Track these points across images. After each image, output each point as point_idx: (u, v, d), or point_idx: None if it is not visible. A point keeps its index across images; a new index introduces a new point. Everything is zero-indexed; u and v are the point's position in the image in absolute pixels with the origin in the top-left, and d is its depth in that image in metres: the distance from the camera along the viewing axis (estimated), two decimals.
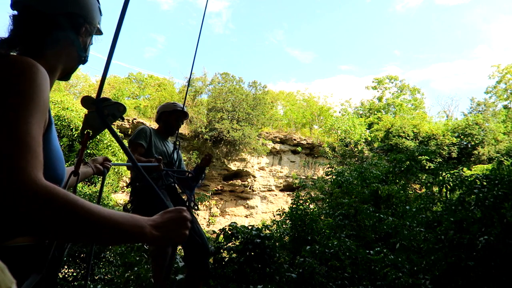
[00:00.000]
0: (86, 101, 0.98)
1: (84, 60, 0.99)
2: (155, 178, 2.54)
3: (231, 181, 21.41)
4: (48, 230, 0.57)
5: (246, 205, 21.60)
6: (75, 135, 11.22)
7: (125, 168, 13.51)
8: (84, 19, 0.93)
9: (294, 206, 5.98)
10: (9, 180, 0.54)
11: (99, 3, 1.02)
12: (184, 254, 2.44)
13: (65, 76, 0.95)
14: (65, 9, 0.89)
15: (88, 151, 11.51)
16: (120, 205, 14.15)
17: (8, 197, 0.53)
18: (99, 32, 1.05)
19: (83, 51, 0.94)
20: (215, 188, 20.96)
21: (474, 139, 20.32)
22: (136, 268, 3.80)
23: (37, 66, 0.69)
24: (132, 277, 3.71)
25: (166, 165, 2.64)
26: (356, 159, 18.88)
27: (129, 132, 18.69)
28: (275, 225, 6.51)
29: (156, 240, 0.72)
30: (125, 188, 17.86)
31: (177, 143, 2.71)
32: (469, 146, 20.45)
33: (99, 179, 11.84)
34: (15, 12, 0.88)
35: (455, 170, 3.83)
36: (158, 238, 0.72)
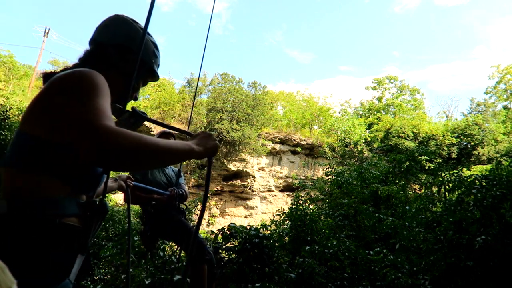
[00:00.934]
0: (114, 109, 1.08)
1: (134, 90, 1.20)
2: (160, 210, 2.78)
3: (231, 182, 21.41)
4: (128, 159, 0.78)
5: (246, 206, 21.60)
6: None
7: None
8: (129, 51, 1.14)
9: (293, 206, 5.98)
10: (93, 125, 0.76)
11: (157, 49, 1.25)
12: (187, 257, 2.60)
13: (118, 102, 1.10)
14: (118, 41, 1.13)
15: None
16: (120, 205, 14.14)
17: (105, 150, 0.74)
18: (153, 75, 1.27)
19: (131, 82, 1.09)
20: (215, 189, 20.96)
21: (474, 139, 20.33)
22: (131, 269, 3.80)
23: (99, 73, 0.92)
24: (125, 277, 3.71)
25: (165, 189, 2.87)
26: (356, 159, 18.89)
27: None
28: (274, 224, 6.51)
29: (202, 153, 1.01)
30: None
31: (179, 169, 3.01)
32: (469, 146, 20.47)
33: None
34: (88, 48, 1.16)
35: (454, 171, 3.84)
36: (203, 151, 1.01)
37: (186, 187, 3.07)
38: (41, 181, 0.89)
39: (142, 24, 1.14)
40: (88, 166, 0.98)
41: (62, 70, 0.98)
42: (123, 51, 1.14)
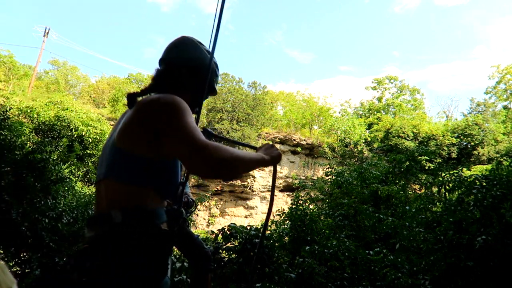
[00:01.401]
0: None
1: (198, 105, 1.35)
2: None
3: (231, 182, 21.40)
4: (227, 169, 0.99)
5: (246, 206, 21.60)
6: (75, 136, 11.22)
7: None
8: (201, 74, 1.30)
9: (293, 206, 5.98)
10: (197, 144, 0.95)
11: (217, 68, 1.42)
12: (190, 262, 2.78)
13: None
14: (188, 63, 1.29)
15: (88, 151, 11.51)
16: None
17: (204, 164, 0.95)
18: (213, 91, 1.43)
19: (198, 99, 1.30)
20: (215, 189, 20.96)
21: (474, 139, 20.33)
22: None
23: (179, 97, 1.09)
24: None
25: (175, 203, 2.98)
26: (356, 159, 18.89)
27: None
28: (274, 224, 6.50)
29: (269, 161, 1.22)
30: None
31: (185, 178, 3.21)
32: (469, 146, 20.46)
33: None
34: (158, 67, 1.33)
35: (454, 171, 3.83)
36: (270, 160, 1.22)
37: (191, 195, 3.24)
38: (142, 193, 1.06)
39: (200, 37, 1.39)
40: (172, 178, 1.16)
41: (142, 92, 1.20)
42: (192, 71, 1.29)
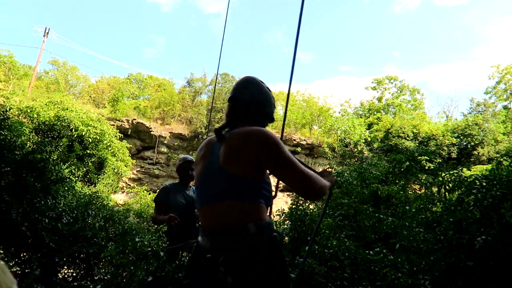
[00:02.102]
0: None
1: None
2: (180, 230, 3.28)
3: None
4: (321, 195, 1.38)
5: None
6: (75, 136, 11.21)
7: (124, 168, 13.50)
8: (263, 106, 1.57)
9: (293, 206, 5.98)
10: (309, 188, 1.34)
11: (274, 101, 1.67)
12: None
13: None
14: (254, 100, 1.55)
15: (88, 151, 11.51)
16: (120, 205, 14.14)
17: (312, 193, 1.35)
18: (272, 119, 1.66)
19: (263, 122, 1.60)
20: None
21: (474, 139, 20.32)
22: (132, 267, 3.79)
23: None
24: (126, 275, 3.71)
25: (186, 210, 3.34)
26: (356, 159, 18.89)
27: (129, 132, 18.68)
28: (274, 225, 6.50)
29: (331, 187, 1.57)
30: (124, 188, 17.86)
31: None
32: (469, 146, 20.46)
33: (99, 179, 11.83)
34: (229, 105, 1.59)
35: (454, 171, 3.83)
36: (331, 185, 1.58)
37: None
38: (259, 208, 1.36)
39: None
40: (270, 194, 1.43)
41: (224, 126, 1.49)
42: (258, 107, 1.56)
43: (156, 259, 3.68)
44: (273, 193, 1.53)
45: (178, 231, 3.20)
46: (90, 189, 9.85)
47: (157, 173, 19.83)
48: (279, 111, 28.81)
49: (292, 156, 1.33)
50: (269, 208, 1.52)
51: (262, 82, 1.62)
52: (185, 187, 3.59)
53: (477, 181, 3.30)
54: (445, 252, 3.11)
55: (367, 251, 4.01)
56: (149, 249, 3.81)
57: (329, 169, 9.51)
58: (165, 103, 21.32)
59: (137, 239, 4.06)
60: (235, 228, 1.30)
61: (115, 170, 12.78)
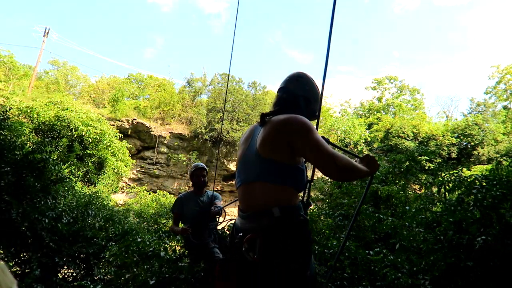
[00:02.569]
0: None
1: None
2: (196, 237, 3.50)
3: (231, 182, 21.40)
4: (347, 175, 1.42)
5: None
6: (75, 136, 11.21)
7: (124, 168, 13.51)
8: (310, 102, 1.68)
9: None
10: (330, 166, 1.34)
11: (318, 96, 1.74)
12: None
13: None
14: (304, 94, 1.66)
15: (88, 151, 11.50)
16: (120, 205, 14.14)
17: (334, 172, 1.35)
18: (315, 117, 1.75)
19: (308, 117, 1.60)
20: (215, 189, 20.96)
21: (474, 139, 20.32)
22: (135, 269, 3.79)
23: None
24: (129, 277, 3.70)
25: (199, 217, 3.57)
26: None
27: (129, 132, 18.67)
28: None
29: (370, 173, 1.54)
30: (124, 188, 17.86)
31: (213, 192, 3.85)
32: (469, 146, 20.46)
33: (99, 179, 11.83)
34: (278, 94, 1.72)
35: (454, 171, 3.83)
36: (371, 171, 1.53)
37: (221, 204, 3.79)
38: (288, 191, 1.42)
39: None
40: (303, 178, 1.49)
41: (271, 113, 1.56)
42: (307, 100, 1.66)
43: (157, 259, 3.69)
44: (309, 178, 1.61)
45: (193, 235, 3.46)
46: (90, 189, 9.85)
47: (157, 173, 19.83)
48: None
49: (321, 139, 1.39)
50: (304, 193, 1.57)
51: (313, 80, 1.74)
52: (199, 194, 3.84)
53: (477, 181, 3.29)
54: (445, 252, 3.11)
55: (367, 251, 4.00)
56: (151, 249, 3.82)
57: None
58: (165, 103, 21.32)
59: (139, 239, 4.06)
60: (262, 210, 1.39)
61: (115, 170, 12.78)
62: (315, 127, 1.45)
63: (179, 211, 3.71)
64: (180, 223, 3.79)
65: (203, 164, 3.91)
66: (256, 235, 1.34)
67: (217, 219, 3.63)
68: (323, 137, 1.51)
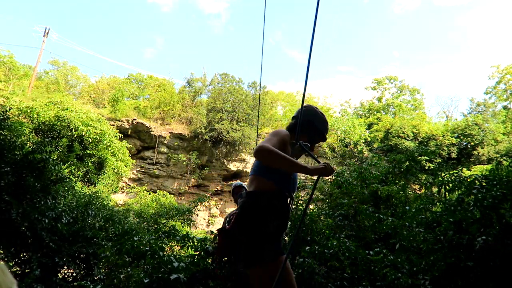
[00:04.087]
0: (292, 144, 2.09)
1: (311, 143, 2.29)
2: None
3: (231, 182, 21.38)
4: (266, 159, 1.84)
5: None
6: (75, 136, 11.21)
7: (124, 168, 13.50)
8: (312, 126, 2.26)
9: (293, 206, 5.98)
10: (258, 147, 1.84)
11: (327, 124, 2.37)
12: None
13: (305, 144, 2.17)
14: (310, 119, 2.23)
15: (88, 151, 11.50)
16: (120, 205, 14.13)
17: (256, 149, 1.85)
18: (323, 138, 2.36)
19: (309, 140, 2.24)
20: (215, 189, 20.96)
21: (474, 139, 20.32)
22: (129, 269, 3.79)
23: (287, 132, 2.10)
24: (123, 277, 3.71)
25: None
26: (356, 159, 18.90)
27: (129, 132, 18.67)
28: None
29: (313, 171, 1.86)
30: (124, 188, 17.86)
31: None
32: (469, 146, 20.46)
33: (99, 179, 11.83)
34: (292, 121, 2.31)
35: (454, 171, 3.83)
36: (313, 171, 1.85)
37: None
38: (268, 183, 1.93)
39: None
40: (285, 177, 1.98)
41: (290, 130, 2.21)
42: (310, 124, 2.22)
43: (152, 258, 3.68)
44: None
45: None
46: (90, 189, 9.85)
47: (157, 173, 19.82)
48: (279, 111, 28.83)
49: (271, 139, 1.93)
50: (288, 189, 2.00)
51: (317, 109, 2.34)
52: None
53: (477, 181, 3.29)
54: (445, 252, 3.11)
55: (367, 251, 4.00)
56: (147, 248, 3.81)
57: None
58: (165, 103, 21.31)
59: (135, 239, 4.05)
60: (249, 193, 1.94)
61: (115, 170, 12.78)
62: (285, 137, 2.02)
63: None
64: None
65: (241, 183, 4.34)
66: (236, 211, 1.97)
67: None
68: (302, 142, 2.05)
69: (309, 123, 2.21)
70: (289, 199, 1.98)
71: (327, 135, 2.40)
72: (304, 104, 2.24)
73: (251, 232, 1.80)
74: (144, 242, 3.98)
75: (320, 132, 2.28)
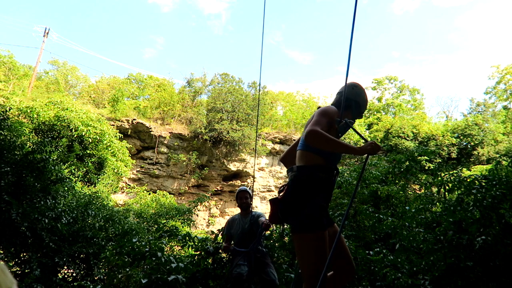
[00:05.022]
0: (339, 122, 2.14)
1: (352, 120, 2.32)
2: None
3: (231, 182, 21.40)
4: (316, 142, 1.93)
5: None
6: (75, 136, 11.21)
7: (124, 168, 13.50)
8: (357, 106, 2.32)
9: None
10: (309, 130, 1.93)
11: (367, 103, 2.43)
12: None
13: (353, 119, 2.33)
14: (356, 100, 2.31)
15: (88, 151, 11.50)
16: (120, 205, 14.13)
17: (307, 131, 1.94)
18: (360, 116, 2.39)
19: (353, 117, 2.32)
20: (215, 189, 20.96)
21: (474, 139, 20.32)
22: (128, 269, 3.79)
23: (335, 110, 2.16)
24: (122, 277, 3.71)
25: (243, 237, 3.88)
26: (356, 159, 18.89)
27: (129, 132, 18.68)
28: (274, 225, 6.50)
29: (360, 151, 1.92)
30: (124, 188, 17.86)
31: (252, 212, 4.08)
32: (469, 146, 20.46)
33: (99, 179, 11.83)
34: (336, 96, 2.40)
35: (454, 171, 3.83)
36: (360, 150, 1.92)
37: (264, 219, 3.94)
38: (317, 157, 2.05)
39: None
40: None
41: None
42: (356, 104, 2.30)
43: (154, 259, 3.68)
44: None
45: (239, 251, 3.79)
46: (90, 189, 9.85)
47: (157, 173, 19.82)
48: (279, 111, 28.84)
49: (321, 120, 2.01)
50: (333, 160, 2.12)
51: (362, 88, 2.36)
52: (244, 216, 4.09)
53: (476, 181, 3.29)
54: (445, 252, 3.11)
55: (367, 251, 4.00)
56: (147, 249, 3.81)
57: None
58: (165, 103, 21.31)
59: (134, 240, 4.05)
60: (298, 167, 2.06)
61: (115, 170, 12.78)
62: (334, 116, 2.08)
63: (228, 232, 4.08)
64: (231, 242, 4.09)
65: (246, 188, 4.22)
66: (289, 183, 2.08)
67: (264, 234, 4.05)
68: (347, 120, 2.10)
69: (356, 103, 2.28)
70: (334, 171, 2.10)
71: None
72: (351, 82, 2.29)
73: (303, 202, 1.93)
74: (143, 243, 3.99)
75: (361, 112, 2.36)
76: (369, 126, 24.53)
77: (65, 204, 5.73)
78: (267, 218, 3.99)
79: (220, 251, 4.29)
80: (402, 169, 7.41)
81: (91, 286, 4.06)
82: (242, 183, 21.33)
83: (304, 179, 1.99)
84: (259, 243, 3.81)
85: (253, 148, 20.26)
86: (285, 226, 6.26)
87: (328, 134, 1.90)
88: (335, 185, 2.12)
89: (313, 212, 1.89)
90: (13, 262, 4.67)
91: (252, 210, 4.17)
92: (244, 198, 4.12)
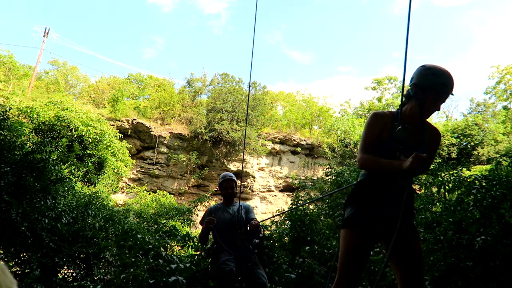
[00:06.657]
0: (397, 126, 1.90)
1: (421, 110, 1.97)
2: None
3: None
4: (365, 167, 1.97)
5: None
6: (75, 136, 11.21)
7: (124, 168, 13.51)
8: (424, 91, 1.89)
9: (293, 206, 5.98)
10: (359, 150, 1.99)
11: (441, 74, 1.88)
12: None
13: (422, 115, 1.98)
14: (411, 85, 1.98)
15: (88, 151, 11.50)
16: (120, 205, 14.13)
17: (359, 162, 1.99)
18: (444, 93, 1.89)
19: (419, 106, 1.93)
20: (215, 189, 20.95)
21: (474, 139, 20.31)
22: (132, 270, 3.79)
23: (373, 117, 2.01)
24: (130, 277, 3.70)
25: (232, 226, 3.39)
26: (356, 159, 18.88)
27: (129, 132, 18.67)
28: (274, 225, 6.50)
29: (401, 170, 1.76)
30: (124, 188, 17.87)
31: (239, 202, 3.55)
32: (469, 146, 20.45)
33: (99, 179, 11.83)
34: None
35: (454, 171, 3.83)
36: (406, 168, 1.72)
37: (256, 218, 3.53)
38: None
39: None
40: (384, 154, 1.92)
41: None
42: (413, 88, 1.95)
43: (157, 257, 3.68)
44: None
45: (225, 243, 3.26)
46: (90, 189, 9.85)
47: (157, 173, 19.82)
48: (279, 111, 28.85)
49: (362, 143, 1.96)
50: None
51: (435, 73, 1.89)
52: (228, 205, 3.57)
53: (476, 181, 3.29)
54: (445, 252, 3.11)
55: None
56: (150, 246, 3.81)
57: (329, 169, 9.43)
58: (165, 103, 21.30)
59: (138, 236, 4.05)
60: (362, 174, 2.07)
61: (115, 170, 12.77)
62: (376, 124, 1.94)
63: (215, 215, 3.52)
64: (210, 235, 3.52)
65: (231, 175, 3.64)
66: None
67: (258, 236, 3.46)
68: (403, 126, 1.80)
69: (414, 87, 1.93)
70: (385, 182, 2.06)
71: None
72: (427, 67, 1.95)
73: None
74: (147, 240, 3.98)
75: (429, 87, 1.84)
76: None
77: (65, 204, 5.73)
78: (254, 214, 3.65)
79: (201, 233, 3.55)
80: None
81: (91, 286, 4.06)
82: (242, 183, 21.33)
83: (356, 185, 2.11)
84: (249, 248, 3.31)
85: (253, 148, 20.25)
86: (285, 226, 6.25)
87: (371, 157, 1.88)
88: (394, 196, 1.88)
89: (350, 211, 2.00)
90: (13, 262, 4.67)
91: (237, 201, 3.63)
92: (229, 188, 3.57)
